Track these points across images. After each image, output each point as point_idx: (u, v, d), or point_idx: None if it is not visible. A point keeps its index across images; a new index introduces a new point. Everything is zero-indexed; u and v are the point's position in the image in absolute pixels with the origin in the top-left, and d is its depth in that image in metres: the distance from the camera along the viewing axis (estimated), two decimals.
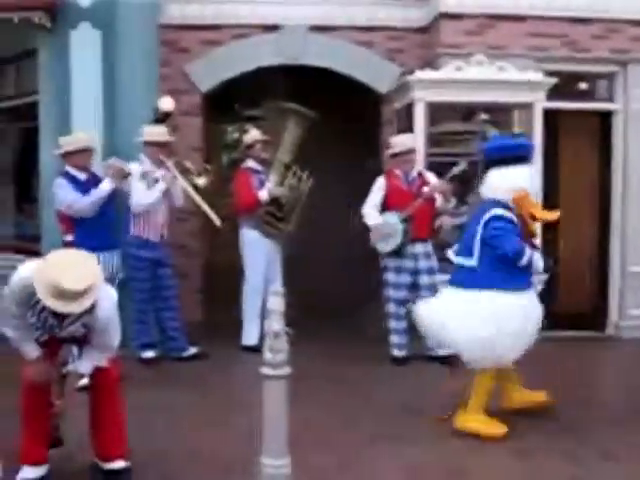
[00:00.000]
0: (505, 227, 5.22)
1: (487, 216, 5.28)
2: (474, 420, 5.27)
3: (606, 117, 8.83)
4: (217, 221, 7.15)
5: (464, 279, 5.37)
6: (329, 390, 6.33)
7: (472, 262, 5.30)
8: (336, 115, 9.06)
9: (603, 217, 8.82)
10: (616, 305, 8.81)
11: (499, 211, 5.26)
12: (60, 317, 4.06)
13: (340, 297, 9.17)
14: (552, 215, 5.62)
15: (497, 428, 5.23)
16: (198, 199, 7.18)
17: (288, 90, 9.32)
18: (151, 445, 4.89)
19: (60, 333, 4.20)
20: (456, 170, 7.08)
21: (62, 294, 3.81)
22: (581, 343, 8.19)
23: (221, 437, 5.15)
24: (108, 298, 4.18)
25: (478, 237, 5.29)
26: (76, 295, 3.84)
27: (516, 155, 5.43)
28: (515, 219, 5.29)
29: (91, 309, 4.02)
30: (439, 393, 6.16)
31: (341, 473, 4.61)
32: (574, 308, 8.61)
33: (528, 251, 5.21)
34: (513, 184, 5.31)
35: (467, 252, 5.37)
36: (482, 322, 5.12)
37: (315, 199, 7.82)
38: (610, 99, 8.85)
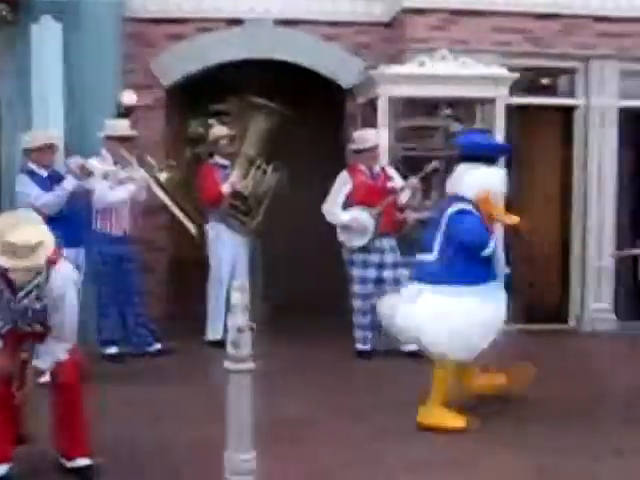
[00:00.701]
0: (469, 219, 5.25)
1: (450, 211, 5.31)
2: (435, 415, 5.30)
3: (568, 112, 8.93)
4: (192, 229, 7.16)
5: (426, 274, 5.40)
6: (307, 385, 6.36)
7: (432, 256, 5.34)
8: (302, 110, 9.04)
9: (565, 212, 8.93)
10: (578, 299, 8.93)
11: (462, 205, 5.30)
12: (14, 289, 4.08)
13: (318, 293, 9.14)
14: (510, 219, 5.56)
15: (458, 421, 5.27)
16: (172, 206, 7.15)
17: (255, 84, 9.29)
18: (127, 441, 4.90)
19: (15, 306, 4.17)
20: (429, 168, 7.13)
21: (12, 250, 3.83)
22: (545, 336, 8.25)
23: (194, 431, 5.12)
24: (64, 272, 4.21)
25: (441, 231, 5.33)
26: (26, 251, 3.86)
27: (488, 154, 5.47)
28: (478, 215, 5.32)
29: (45, 281, 4.07)
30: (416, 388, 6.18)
31: (336, 469, 4.63)
32: (538, 301, 8.71)
33: (492, 242, 5.27)
34: (478, 182, 5.32)
35: (429, 247, 5.40)
36: (446, 315, 5.15)
37: (279, 194, 7.81)
38: (572, 95, 8.94)
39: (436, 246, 5.34)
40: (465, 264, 5.22)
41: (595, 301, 8.84)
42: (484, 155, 5.44)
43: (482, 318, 5.20)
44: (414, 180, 7.16)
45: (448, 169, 8.06)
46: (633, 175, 9.44)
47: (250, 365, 3.87)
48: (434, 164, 7.11)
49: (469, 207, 5.31)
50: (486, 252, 5.25)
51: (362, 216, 7.10)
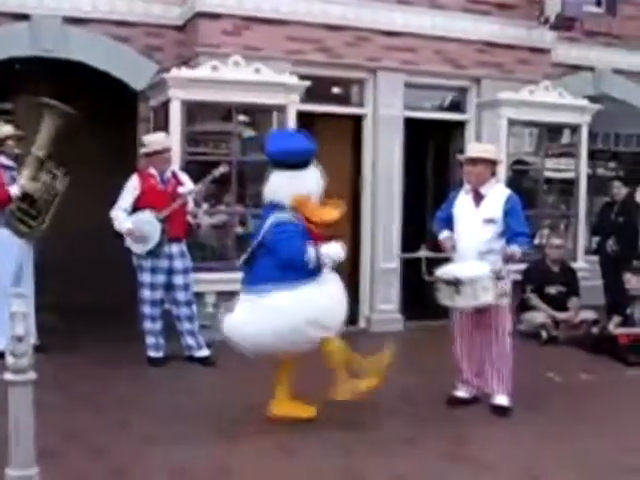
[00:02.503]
0: (287, 231, 5.26)
1: (269, 222, 5.31)
2: (285, 406, 5.50)
3: (358, 121, 9.26)
4: None
5: (246, 280, 5.47)
6: (98, 395, 6.17)
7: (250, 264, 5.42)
8: (93, 111, 8.81)
9: (355, 216, 9.23)
10: (367, 300, 9.27)
11: (282, 216, 5.30)
12: None
13: (111, 299, 8.90)
14: (330, 215, 5.52)
15: (306, 412, 5.49)
16: None
17: (45, 83, 8.96)
18: None
19: None
20: (217, 173, 7.13)
21: None
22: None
23: None
24: None
25: (259, 239, 5.35)
26: None
27: (297, 159, 5.40)
28: (298, 222, 5.32)
29: None
30: (211, 393, 6.16)
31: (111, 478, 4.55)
32: None
33: (311, 251, 5.28)
34: (293, 188, 5.33)
35: (250, 255, 5.44)
36: (262, 318, 5.19)
37: (70, 198, 7.57)
38: (361, 104, 9.28)
39: (253, 254, 5.39)
40: (283, 269, 5.24)
41: (383, 302, 9.21)
42: (293, 160, 5.37)
43: (298, 318, 5.20)
44: (200, 185, 7.16)
45: (241, 174, 8.21)
46: (417, 180, 9.97)
47: (31, 376, 3.74)
48: (221, 169, 7.14)
49: (288, 217, 5.31)
50: (305, 262, 5.26)
51: (149, 220, 6.98)
